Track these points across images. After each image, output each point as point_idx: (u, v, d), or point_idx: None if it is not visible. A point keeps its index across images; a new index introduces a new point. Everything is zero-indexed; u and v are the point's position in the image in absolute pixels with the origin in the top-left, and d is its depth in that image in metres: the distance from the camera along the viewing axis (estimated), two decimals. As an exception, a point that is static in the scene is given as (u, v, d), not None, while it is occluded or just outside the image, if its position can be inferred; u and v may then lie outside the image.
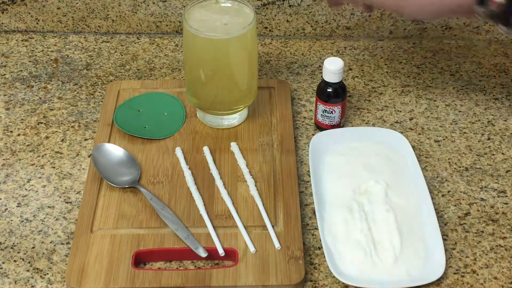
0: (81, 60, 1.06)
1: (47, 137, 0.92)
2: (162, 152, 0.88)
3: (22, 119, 0.95)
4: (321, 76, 0.89)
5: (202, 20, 0.85)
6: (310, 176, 0.84)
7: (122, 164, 0.85)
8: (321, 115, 0.91)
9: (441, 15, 0.86)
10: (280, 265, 0.74)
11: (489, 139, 0.92)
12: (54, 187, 0.85)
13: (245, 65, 0.87)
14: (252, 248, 0.76)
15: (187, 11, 0.85)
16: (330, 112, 0.90)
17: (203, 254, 0.75)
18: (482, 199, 0.84)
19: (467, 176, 0.87)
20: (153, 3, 1.07)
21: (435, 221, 0.78)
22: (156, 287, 0.73)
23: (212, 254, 0.76)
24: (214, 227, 0.78)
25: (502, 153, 0.90)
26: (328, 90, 0.89)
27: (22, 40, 1.10)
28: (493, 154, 0.90)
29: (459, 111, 0.97)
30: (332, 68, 0.87)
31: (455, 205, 0.83)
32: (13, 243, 0.79)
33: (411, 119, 0.95)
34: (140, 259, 0.76)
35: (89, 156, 0.89)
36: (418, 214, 0.80)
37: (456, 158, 0.90)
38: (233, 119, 0.91)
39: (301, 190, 0.85)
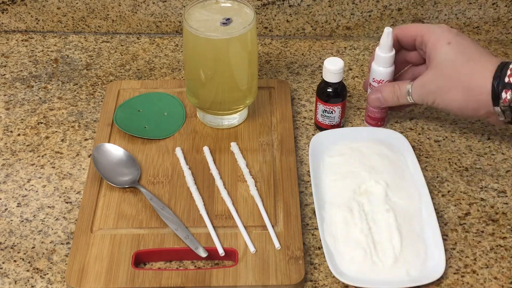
0: (81, 60, 1.06)
1: (47, 137, 0.92)
2: (162, 152, 0.88)
3: (22, 119, 0.95)
4: (321, 76, 0.89)
5: (202, 20, 0.85)
6: (310, 176, 0.84)
7: (122, 164, 0.85)
8: (321, 115, 0.91)
9: (472, 116, 0.84)
10: (280, 265, 0.74)
11: (489, 139, 0.92)
12: (54, 187, 0.85)
13: (245, 65, 0.87)
14: (252, 248, 0.76)
15: (187, 11, 0.85)
16: (330, 112, 0.90)
17: (203, 254, 0.75)
18: (482, 199, 0.84)
19: (467, 176, 0.87)
20: (153, 3, 1.07)
21: (435, 221, 0.78)
22: (156, 287, 0.73)
23: (212, 254, 0.76)
24: (214, 227, 0.78)
25: (502, 153, 0.90)
26: (328, 90, 0.89)
27: (22, 40, 1.10)
28: (493, 154, 0.90)
29: (459, 111, 0.97)
30: (332, 68, 0.87)
31: (455, 205, 0.83)
32: (13, 243, 0.79)
33: (411, 119, 0.95)
34: (140, 259, 0.76)
35: (89, 156, 0.89)
36: (418, 214, 0.80)
37: (456, 158, 0.90)
38: (233, 119, 0.91)
39: (301, 190, 0.85)
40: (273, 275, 0.73)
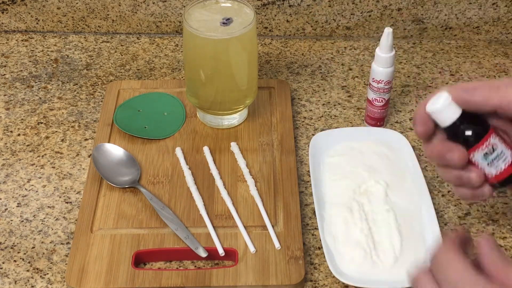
0: (81, 60, 1.06)
1: (47, 137, 0.92)
2: (162, 152, 0.88)
3: (22, 119, 0.95)
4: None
5: (202, 20, 0.85)
6: (310, 176, 0.84)
7: (122, 164, 0.85)
8: (489, 163, 0.64)
9: None
10: (280, 265, 0.74)
11: (489, 139, 0.92)
12: (54, 187, 0.85)
13: (245, 65, 0.87)
14: (252, 248, 0.76)
15: (187, 11, 0.85)
16: (492, 150, 0.63)
17: (203, 254, 0.75)
18: (482, 199, 0.84)
19: (467, 176, 0.87)
20: (153, 3, 1.07)
21: (435, 221, 0.78)
22: (156, 287, 0.73)
23: (212, 254, 0.76)
24: (214, 227, 0.78)
25: (502, 153, 0.90)
26: (463, 130, 0.63)
27: (22, 40, 1.10)
28: (493, 154, 0.90)
29: (459, 111, 0.97)
30: (438, 106, 0.63)
31: (455, 205, 0.83)
32: (13, 243, 0.79)
33: (411, 119, 0.95)
34: (140, 259, 0.76)
35: (89, 156, 0.89)
36: (418, 214, 0.80)
37: (456, 158, 0.89)
38: (233, 119, 0.91)
39: (301, 190, 0.85)
40: (273, 275, 0.73)
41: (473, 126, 0.63)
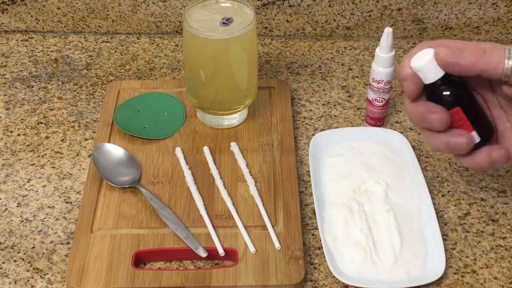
0: (81, 60, 1.06)
1: (47, 137, 0.92)
2: (162, 152, 0.88)
3: (22, 119, 0.95)
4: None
5: (202, 20, 0.85)
6: (310, 176, 0.84)
7: (122, 164, 0.85)
8: None
9: None
10: (280, 265, 0.74)
11: (489, 139, 0.92)
12: (54, 187, 0.85)
13: (245, 65, 0.87)
14: (252, 248, 0.76)
15: (187, 11, 0.85)
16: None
17: (203, 254, 0.75)
18: (482, 199, 0.84)
19: (467, 176, 0.87)
20: (153, 3, 1.07)
21: (435, 221, 0.78)
22: (156, 287, 0.73)
23: (212, 254, 0.76)
24: (214, 227, 0.78)
25: (502, 153, 0.90)
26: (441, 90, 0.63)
27: (22, 40, 1.10)
28: (493, 154, 0.90)
29: (459, 111, 0.97)
30: (423, 64, 0.63)
31: (455, 205, 0.83)
32: (13, 243, 0.79)
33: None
34: (140, 259, 0.76)
35: (89, 156, 0.89)
36: (418, 214, 0.80)
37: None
38: (233, 119, 0.91)
39: (301, 190, 0.85)
40: (273, 275, 0.73)
41: (446, 91, 0.63)
